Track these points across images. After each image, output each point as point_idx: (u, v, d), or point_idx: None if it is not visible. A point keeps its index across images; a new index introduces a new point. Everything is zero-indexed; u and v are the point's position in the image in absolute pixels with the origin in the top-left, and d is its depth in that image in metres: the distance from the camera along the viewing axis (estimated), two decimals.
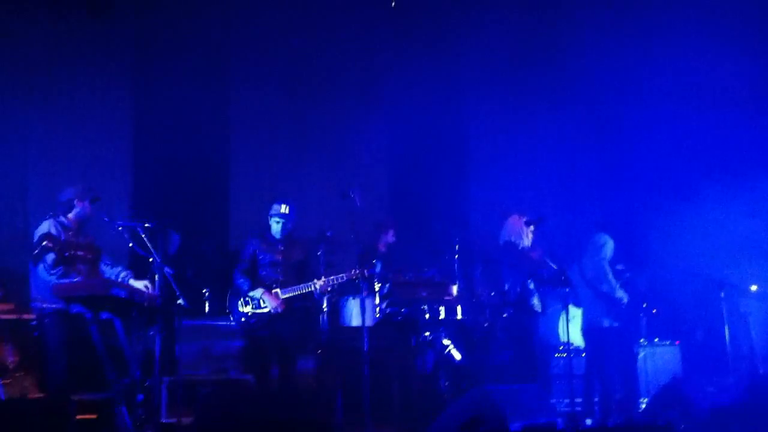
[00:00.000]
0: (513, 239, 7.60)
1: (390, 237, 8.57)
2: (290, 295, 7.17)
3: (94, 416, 6.22)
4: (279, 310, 7.10)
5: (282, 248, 7.36)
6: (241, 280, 7.27)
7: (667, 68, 9.73)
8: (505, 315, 7.50)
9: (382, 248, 8.28)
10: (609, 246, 7.97)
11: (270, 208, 7.43)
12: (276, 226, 7.36)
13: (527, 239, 7.60)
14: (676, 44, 9.54)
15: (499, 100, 10.13)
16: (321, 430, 5.37)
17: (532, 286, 7.46)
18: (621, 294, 7.83)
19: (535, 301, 7.46)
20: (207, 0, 9.31)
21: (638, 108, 9.88)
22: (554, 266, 7.45)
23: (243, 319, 7.18)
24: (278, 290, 7.17)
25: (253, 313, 7.16)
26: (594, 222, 9.03)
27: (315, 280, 7.10)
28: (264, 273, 7.30)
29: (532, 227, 7.62)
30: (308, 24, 9.76)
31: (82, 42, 8.90)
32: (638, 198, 9.81)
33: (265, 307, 7.13)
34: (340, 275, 7.08)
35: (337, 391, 5.75)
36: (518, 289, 7.43)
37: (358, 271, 7.03)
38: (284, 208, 7.35)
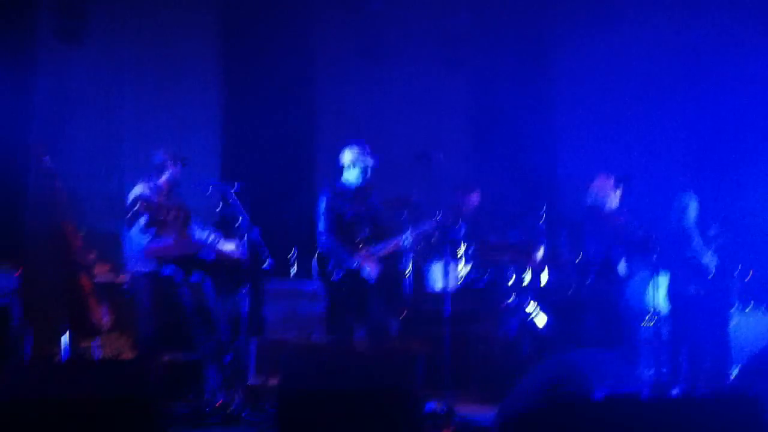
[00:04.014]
0: (599, 201, 7.40)
1: (475, 199, 8.48)
2: (383, 252, 6.75)
3: (183, 375, 6.44)
4: (375, 272, 6.67)
5: (361, 198, 6.79)
6: (328, 242, 6.70)
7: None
8: (588, 281, 7.34)
9: (466, 211, 8.22)
10: (692, 207, 7.66)
11: (345, 154, 6.86)
12: (358, 174, 6.78)
13: (615, 201, 7.39)
14: None
15: (586, 57, 9.83)
16: (402, 395, 5.42)
17: (618, 251, 7.28)
18: (709, 259, 7.58)
19: (621, 266, 7.27)
20: None
21: (737, 57, 9.43)
22: (641, 230, 7.26)
23: (336, 283, 6.70)
24: (368, 248, 6.73)
25: (346, 277, 6.67)
26: (679, 182, 8.75)
27: (405, 233, 6.67)
28: (348, 230, 6.76)
29: (620, 188, 7.41)
30: None
31: (171, 7, 9.04)
32: (733, 156, 9.42)
33: (360, 270, 6.65)
34: (429, 222, 6.73)
35: (419, 355, 5.76)
36: (602, 254, 7.27)
37: (440, 215, 6.74)
38: (365, 151, 6.78)
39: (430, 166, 6.82)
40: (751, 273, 8.27)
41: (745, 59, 9.25)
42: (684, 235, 7.59)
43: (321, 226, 6.84)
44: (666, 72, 9.66)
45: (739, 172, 9.25)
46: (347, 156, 6.90)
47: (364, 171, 6.84)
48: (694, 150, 9.60)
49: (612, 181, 7.40)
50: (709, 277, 7.62)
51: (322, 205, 6.86)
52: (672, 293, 7.71)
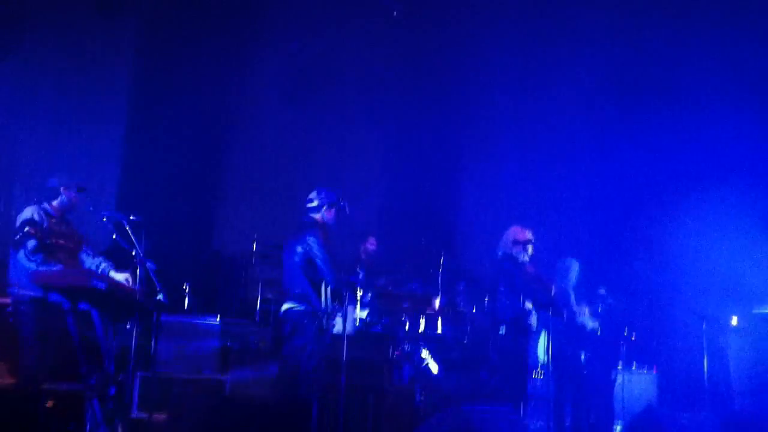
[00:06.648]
0: (512, 253, 7.35)
1: (370, 245, 8.46)
2: None
3: (64, 406, 6.12)
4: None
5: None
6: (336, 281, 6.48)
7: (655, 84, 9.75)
8: (501, 332, 7.24)
9: (363, 256, 8.23)
10: (574, 271, 7.78)
11: (326, 195, 6.67)
12: (332, 215, 6.67)
13: (527, 253, 7.36)
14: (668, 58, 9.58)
15: (493, 116, 10.12)
16: None
17: (529, 305, 7.25)
18: (585, 320, 7.68)
19: (532, 321, 7.26)
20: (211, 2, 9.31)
21: (630, 126, 9.84)
22: (550, 285, 7.33)
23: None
24: None
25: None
26: (568, 245, 8.98)
27: None
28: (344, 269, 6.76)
29: (532, 242, 7.40)
30: (308, 32, 9.75)
31: (81, 32, 8.81)
32: (627, 224, 9.77)
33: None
34: None
35: (312, 398, 5.65)
36: (514, 307, 7.22)
37: None
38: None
39: (341, 215, 6.79)
40: (634, 335, 8.53)
41: (638, 127, 9.70)
42: (564, 296, 7.67)
43: (323, 262, 6.52)
44: (569, 137, 10.00)
45: (627, 239, 9.60)
46: (327, 196, 6.72)
47: (340, 210, 6.74)
48: (586, 215, 9.89)
49: (526, 234, 7.37)
50: (592, 338, 7.76)
51: (318, 244, 6.52)
52: (554, 352, 7.77)
